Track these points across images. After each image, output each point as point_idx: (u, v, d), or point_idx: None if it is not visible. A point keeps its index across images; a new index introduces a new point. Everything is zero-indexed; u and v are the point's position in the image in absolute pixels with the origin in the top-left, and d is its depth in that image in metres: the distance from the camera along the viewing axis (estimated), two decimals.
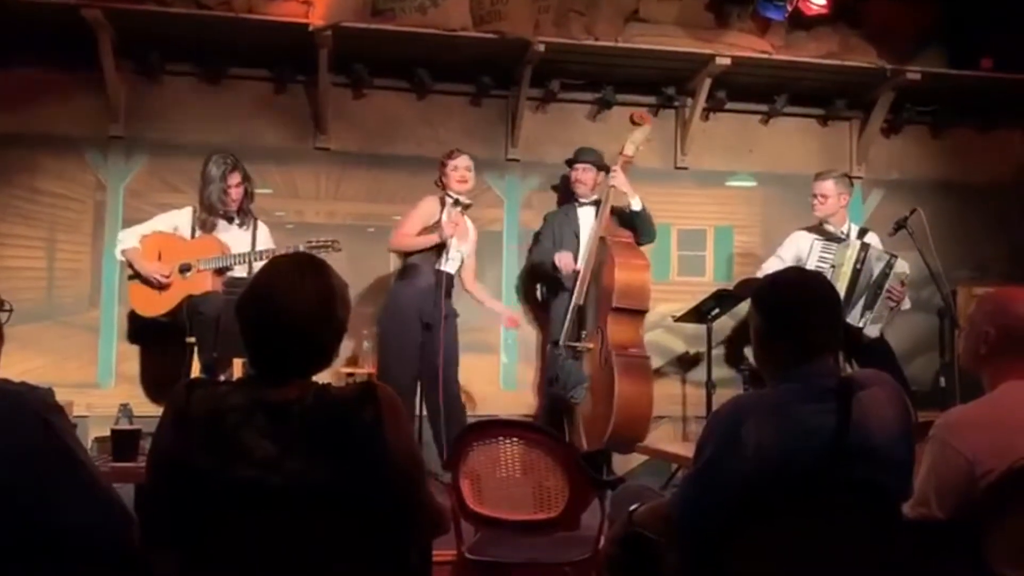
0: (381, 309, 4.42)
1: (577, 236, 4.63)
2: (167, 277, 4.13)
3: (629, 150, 4.59)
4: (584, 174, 4.69)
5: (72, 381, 4.53)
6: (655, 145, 5.29)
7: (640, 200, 4.58)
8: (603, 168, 4.68)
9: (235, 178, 4.21)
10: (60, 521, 1.50)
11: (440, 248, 4.20)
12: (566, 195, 4.99)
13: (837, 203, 4.51)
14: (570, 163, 4.79)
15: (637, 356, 4.37)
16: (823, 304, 1.80)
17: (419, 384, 4.26)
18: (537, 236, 4.90)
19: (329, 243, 4.12)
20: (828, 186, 4.49)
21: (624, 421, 4.16)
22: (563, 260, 4.50)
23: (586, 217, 4.68)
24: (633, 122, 4.82)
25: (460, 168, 4.34)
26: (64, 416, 1.58)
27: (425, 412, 4.27)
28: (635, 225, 4.59)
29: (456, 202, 4.25)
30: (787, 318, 1.76)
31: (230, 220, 4.28)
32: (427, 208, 4.31)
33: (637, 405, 4.23)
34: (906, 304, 4.50)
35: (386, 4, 4.66)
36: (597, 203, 4.67)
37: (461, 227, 4.28)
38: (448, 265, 4.29)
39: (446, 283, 4.27)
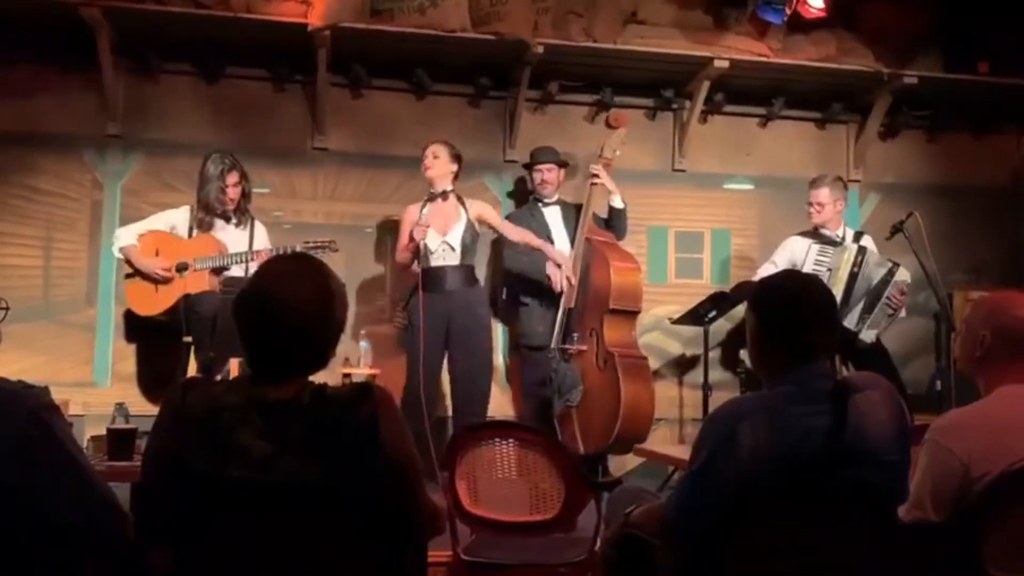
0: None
1: (550, 239, 4.57)
2: (168, 271, 4.12)
3: (607, 153, 4.59)
4: (548, 174, 4.66)
5: (68, 380, 4.52)
6: (653, 147, 5.31)
7: (622, 199, 4.57)
8: (564, 165, 4.68)
9: (233, 177, 4.21)
10: (55, 519, 1.50)
11: (424, 249, 4.20)
12: (523, 196, 4.97)
13: (833, 209, 4.52)
14: (529, 165, 4.74)
15: (637, 356, 4.40)
16: (819, 307, 1.80)
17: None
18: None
19: (327, 243, 4.13)
20: (824, 194, 4.50)
21: (630, 421, 4.19)
22: (553, 268, 4.44)
23: (553, 217, 4.65)
24: (609, 125, 4.81)
25: (427, 156, 4.30)
26: (60, 415, 1.58)
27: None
28: (612, 224, 4.59)
29: (430, 197, 4.23)
30: (783, 320, 1.77)
31: (227, 220, 4.28)
32: (408, 217, 4.29)
33: (642, 405, 4.27)
34: (901, 313, 4.51)
35: (385, 4, 4.66)
36: (562, 203, 4.66)
37: (439, 218, 4.24)
38: (436, 259, 4.25)
39: (447, 277, 4.24)
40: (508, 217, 4.82)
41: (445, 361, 4.31)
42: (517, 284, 4.74)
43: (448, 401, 4.50)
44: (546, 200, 4.69)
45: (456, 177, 4.36)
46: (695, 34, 5.09)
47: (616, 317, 4.36)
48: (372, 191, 5.02)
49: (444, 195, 4.26)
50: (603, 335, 4.33)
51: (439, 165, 4.28)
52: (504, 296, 4.92)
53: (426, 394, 4.10)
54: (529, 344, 4.61)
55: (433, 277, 4.21)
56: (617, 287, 4.33)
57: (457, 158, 4.34)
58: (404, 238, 4.26)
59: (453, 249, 4.28)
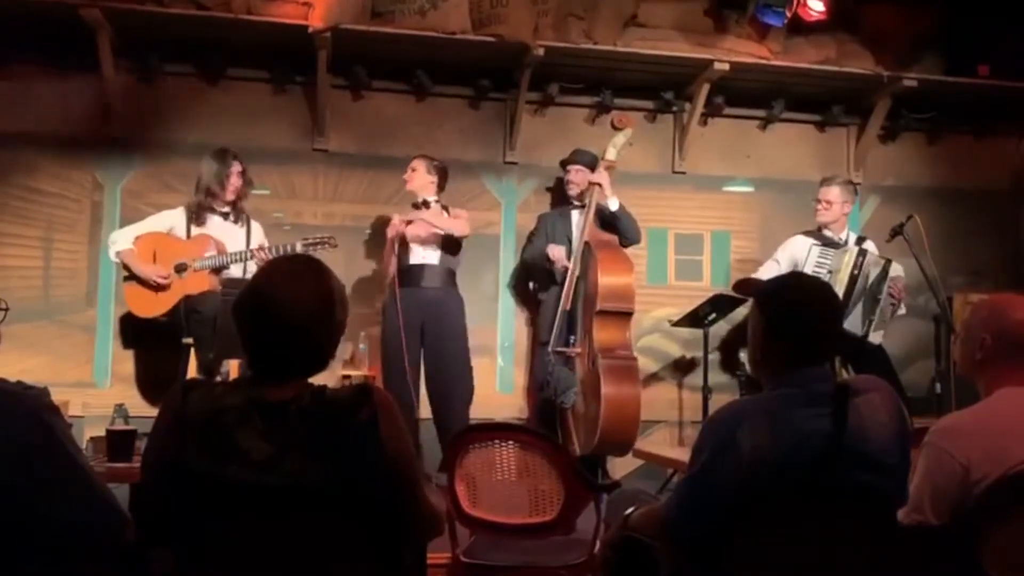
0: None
1: (570, 239, 4.63)
2: (166, 279, 4.12)
3: (611, 155, 4.60)
4: (577, 175, 4.69)
5: (68, 381, 4.53)
6: (654, 149, 5.31)
7: (618, 201, 4.58)
8: (595, 170, 4.68)
9: (236, 167, 4.23)
10: (55, 520, 1.49)
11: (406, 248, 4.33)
12: (561, 197, 4.98)
13: (840, 210, 4.52)
14: (564, 164, 4.79)
15: (623, 358, 4.34)
16: (827, 313, 1.81)
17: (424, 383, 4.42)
18: (530, 236, 4.90)
19: (326, 239, 4.15)
20: (834, 192, 4.50)
21: (612, 423, 4.14)
22: (556, 252, 4.49)
23: (580, 219, 4.67)
24: (614, 126, 4.82)
25: (408, 170, 4.47)
26: (60, 416, 1.58)
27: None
28: (617, 227, 4.60)
29: (414, 205, 4.44)
30: (791, 322, 1.77)
31: (224, 216, 4.27)
32: (391, 229, 4.42)
33: (625, 407, 4.20)
34: (901, 309, 4.52)
35: (385, 6, 4.67)
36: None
37: (422, 224, 4.36)
38: (416, 257, 4.36)
39: (425, 275, 4.35)
40: (540, 216, 4.91)
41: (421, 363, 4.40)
42: (533, 279, 4.84)
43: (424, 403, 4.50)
44: (575, 202, 4.72)
45: (441, 188, 4.49)
46: (695, 36, 5.09)
47: (606, 318, 4.34)
48: (372, 192, 5.02)
49: (426, 204, 4.41)
50: (593, 336, 4.32)
51: (416, 178, 4.45)
52: (532, 291, 4.97)
53: (402, 391, 4.15)
54: (541, 342, 4.62)
55: (410, 274, 4.34)
56: (605, 288, 4.31)
57: (438, 170, 4.48)
58: (389, 249, 4.41)
59: (438, 247, 4.39)
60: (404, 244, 4.36)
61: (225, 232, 4.26)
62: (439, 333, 4.34)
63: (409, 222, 4.36)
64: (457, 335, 4.41)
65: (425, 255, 4.38)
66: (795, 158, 5.45)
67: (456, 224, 4.41)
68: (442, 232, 4.38)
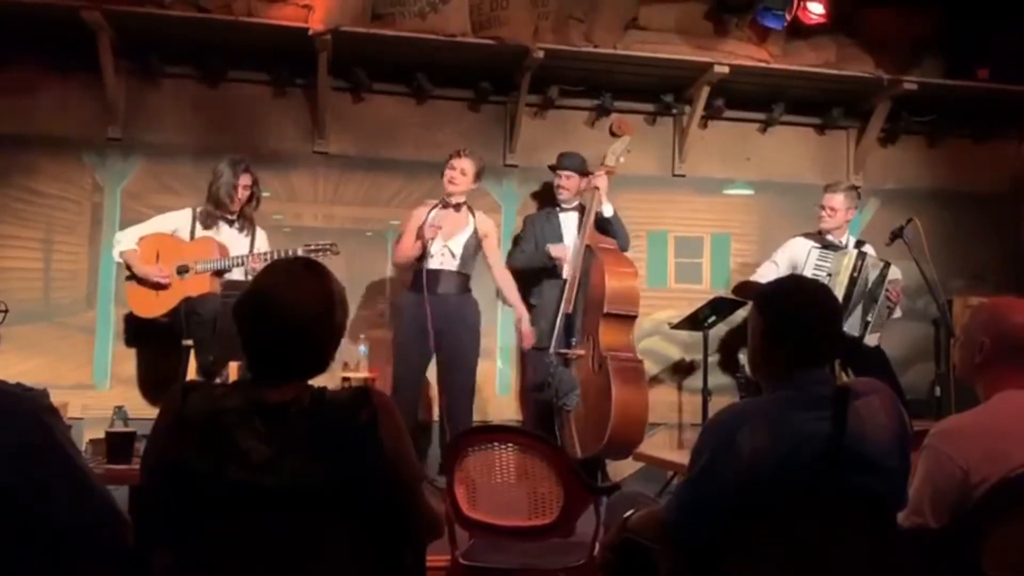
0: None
1: (561, 241, 4.62)
2: (167, 277, 4.13)
3: (610, 161, 4.58)
4: (567, 180, 4.68)
5: (68, 382, 4.53)
6: (653, 152, 5.31)
7: (612, 207, 4.58)
8: (586, 174, 4.68)
9: (245, 179, 4.24)
10: (54, 522, 1.50)
11: (426, 250, 4.22)
12: (547, 201, 4.97)
13: (844, 217, 4.54)
14: (553, 169, 4.77)
15: (631, 360, 4.37)
16: (826, 313, 1.82)
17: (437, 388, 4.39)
18: (517, 239, 4.89)
19: (327, 246, 4.14)
20: (838, 199, 4.51)
21: (621, 425, 4.16)
22: (559, 251, 4.47)
23: (568, 223, 4.67)
24: (613, 133, 4.81)
25: (454, 168, 4.32)
26: (59, 418, 1.58)
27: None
28: (609, 232, 4.60)
29: (443, 203, 4.28)
30: (790, 324, 1.77)
31: (230, 223, 4.28)
32: (416, 216, 4.32)
33: (634, 409, 4.22)
34: (897, 312, 4.53)
35: (386, 9, 4.67)
36: (580, 209, 4.66)
37: (448, 225, 4.28)
38: (433, 262, 4.26)
39: (442, 281, 4.27)
40: (526, 219, 4.87)
41: (433, 365, 4.33)
42: (524, 283, 4.76)
43: (435, 406, 4.49)
44: (564, 206, 4.71)
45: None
46: (695, 39, 5.10)
47: (612, 321, 4.34)
48: (373, 195, 5.02)
49: (457, 206, 4.32)
50: (598, 339, 4.33)
51: (463, 183, 4.31)
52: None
53: (410, 395, 4.12)
54: (536, 345, 4.60)
55: (428, 279, 4.24)
56: (612, 291, 4.32)
57: (481, 172, 4.38)
58: (409, 237, 4.28)
59: (453, 255, 4.31)
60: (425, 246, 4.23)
61: (230, 239, 4.26)
62: (455, 340, 4.26)
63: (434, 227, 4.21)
64: (473, 341, 4.34)
65: (443, 261, 4.28)
66: (795, 161, 5.46)
67: (495, 257, 4.43)
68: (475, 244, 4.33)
